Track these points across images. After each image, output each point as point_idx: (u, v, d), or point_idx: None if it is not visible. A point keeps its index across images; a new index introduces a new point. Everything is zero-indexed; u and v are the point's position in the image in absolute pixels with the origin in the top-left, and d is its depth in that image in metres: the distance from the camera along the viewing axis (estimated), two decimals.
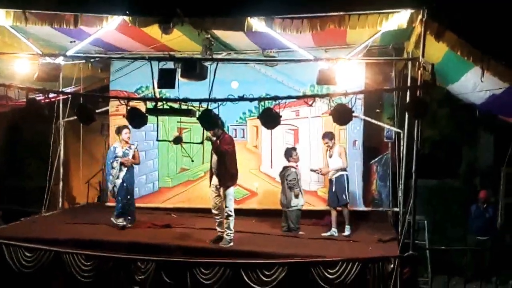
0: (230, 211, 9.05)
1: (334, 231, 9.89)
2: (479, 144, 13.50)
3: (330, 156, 10.14)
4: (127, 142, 10.36)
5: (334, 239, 9.70)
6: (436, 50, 8.38)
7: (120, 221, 10.12)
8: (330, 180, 10.18)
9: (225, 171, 9.07)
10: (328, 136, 10.16)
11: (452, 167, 13.45)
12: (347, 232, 9.88)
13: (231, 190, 9.13)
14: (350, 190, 10.23)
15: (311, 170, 10.64)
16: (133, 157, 10.40)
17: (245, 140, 12.07)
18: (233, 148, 9.20)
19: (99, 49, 11.35)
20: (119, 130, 10.40)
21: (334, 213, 10.05)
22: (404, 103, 9.58)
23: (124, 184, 10.22)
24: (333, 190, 10.04)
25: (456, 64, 8.45)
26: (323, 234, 9.94)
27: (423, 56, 8.12)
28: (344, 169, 10.04)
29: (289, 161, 10.37)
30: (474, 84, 8.60)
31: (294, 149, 10.62)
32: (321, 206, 11.19)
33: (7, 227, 10.47)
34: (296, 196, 10.16)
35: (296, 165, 10.39)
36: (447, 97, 10.87)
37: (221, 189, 9.11)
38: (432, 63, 8.14)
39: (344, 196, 9.92)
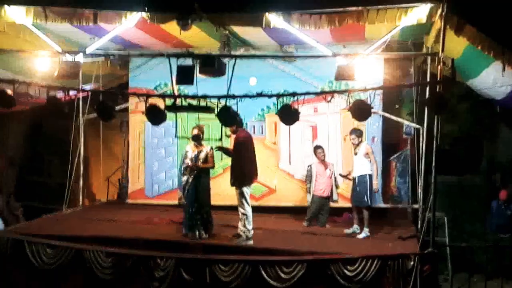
0: (244, 211, 8.93)
1: (356, 227, 9.78)
2: (500, 139, 13.32)
3: (356, 154, 9.90)
4: (200, 145, 9.48)
5: (352, 237, 9.63)
6: (456, 45, 8.29)
7: (190, 235, 9.25)
8: (354, 179, 9.92)
9: (238, 169, 9.03)
10: (356, 132, 9.90)
11: (472, 163, 13.29)
12: (363, 235, 9.55)
13: (244, 190, 8.98)
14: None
15: (340, 175, 10.61)
16: (206, 160, 9.42)
17: (264, 136, 12.06)
18: (248, 146, 9.16)
19: (118, 47, 11.39)
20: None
21: (357, 212, 9.87)
22: (423, 98, 9.48)
23: (191, 191, 9.31)
24: (357, 190, 9.74)
25: (476, 59, 8.36)
26: (346, 231, 9.86)
27: (442, 51, 8.00)
28: (369, 169, 9.69)
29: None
30: (495, 79, 8.51)
31: (318, 147, 10.71)
32: (340, 203, 10.97)
33: (29, 223, 10.59)
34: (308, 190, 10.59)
35: (318, 162, 10.52)
36: (467, 92, 10.75)
37: (234, 188, 9.04)
38: (452, 58, 8.06)
39: (365, 198, 9.58)
